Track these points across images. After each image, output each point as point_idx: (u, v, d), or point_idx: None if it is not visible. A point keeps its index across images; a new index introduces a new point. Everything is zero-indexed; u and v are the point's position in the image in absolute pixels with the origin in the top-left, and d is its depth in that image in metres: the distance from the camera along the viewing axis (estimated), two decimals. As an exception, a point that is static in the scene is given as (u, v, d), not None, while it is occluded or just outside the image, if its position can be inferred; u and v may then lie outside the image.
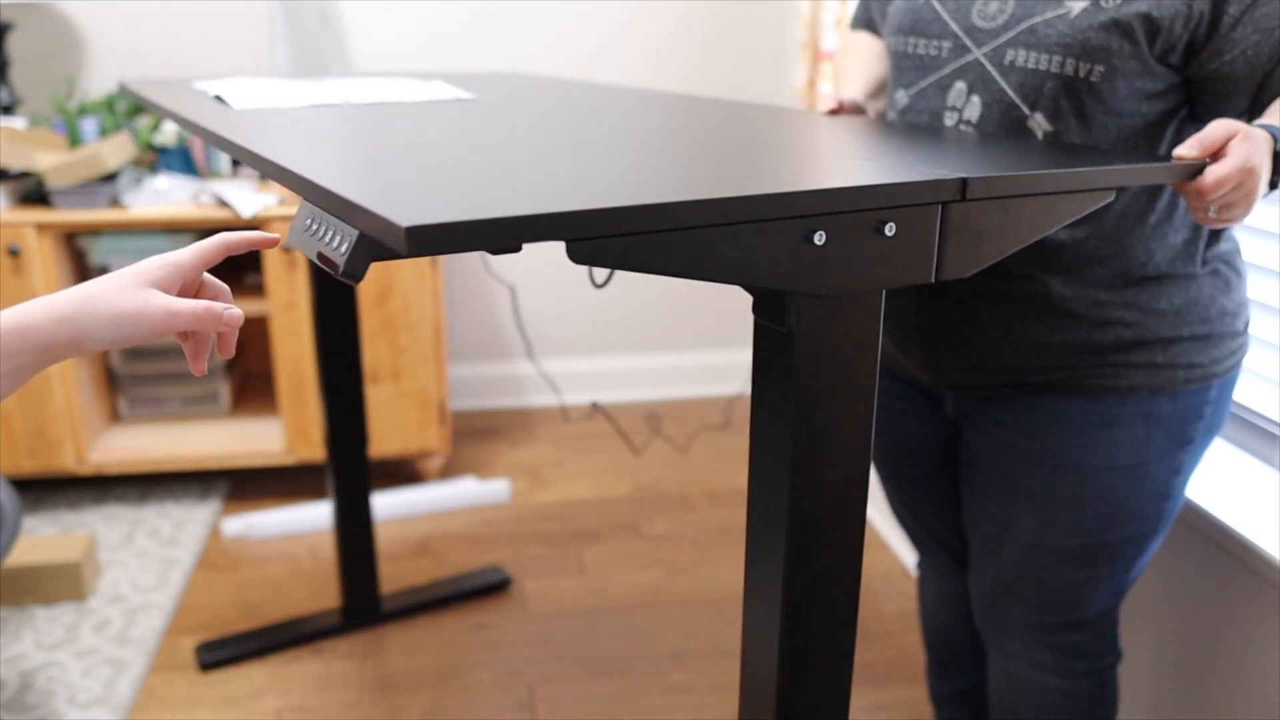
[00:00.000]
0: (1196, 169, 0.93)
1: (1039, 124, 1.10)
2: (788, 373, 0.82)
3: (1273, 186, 1.02)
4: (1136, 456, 1.19)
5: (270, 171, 0.86)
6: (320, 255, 0.77)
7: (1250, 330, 1.24)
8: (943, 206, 0.81)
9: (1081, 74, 1.06)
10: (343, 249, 0.74)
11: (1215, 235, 1.18)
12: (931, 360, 1.26)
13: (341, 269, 0.73)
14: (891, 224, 0.79)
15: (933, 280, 0.84)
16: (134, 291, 0.74)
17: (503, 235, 0.63)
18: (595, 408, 3.22)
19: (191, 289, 0.81)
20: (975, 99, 1.13)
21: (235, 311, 0.77)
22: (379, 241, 0.69)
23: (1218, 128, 0.95)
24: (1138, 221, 1.13)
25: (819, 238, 0.76)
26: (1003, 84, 1.11)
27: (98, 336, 0.73)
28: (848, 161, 0.87)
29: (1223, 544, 1.47)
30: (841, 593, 0.91)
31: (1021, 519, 1.24)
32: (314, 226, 0.79)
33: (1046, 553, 1.24)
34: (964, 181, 0.80)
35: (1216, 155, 0.94)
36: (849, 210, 0.77)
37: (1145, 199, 1.12)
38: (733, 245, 0.74)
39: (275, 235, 0.81)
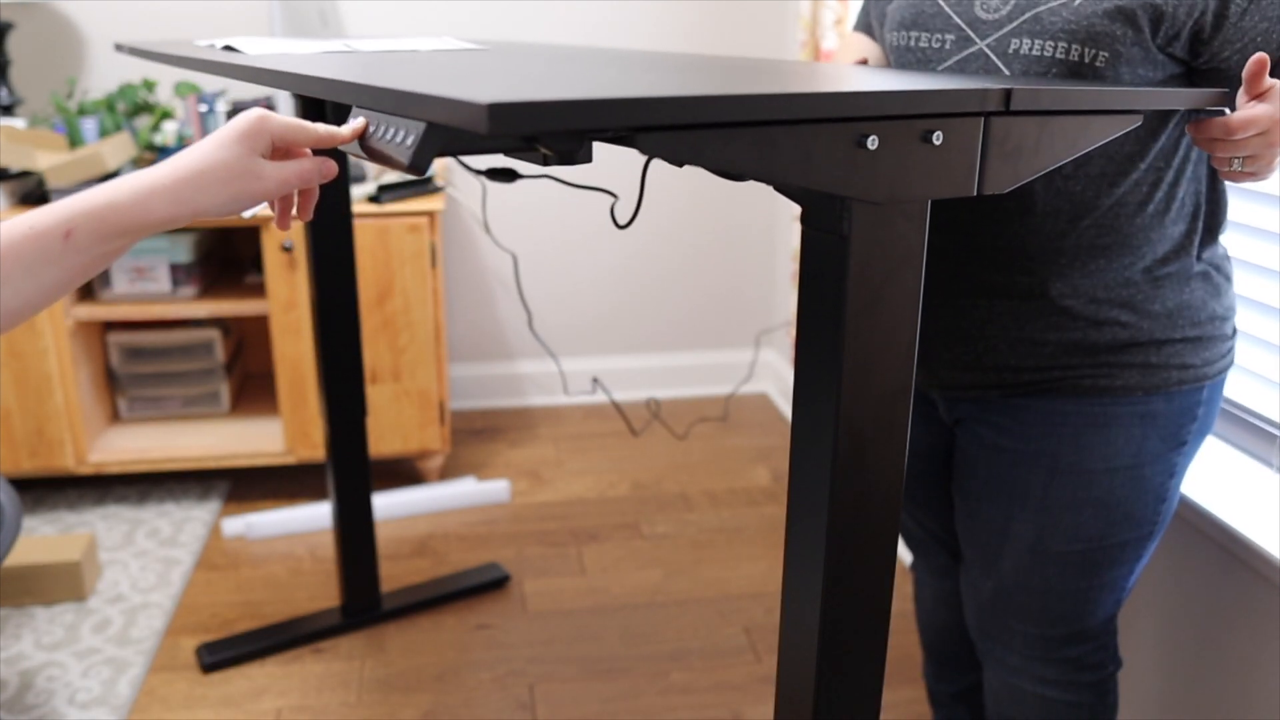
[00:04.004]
0: (1220, 97, 0.95)
1: None
2: (839, 278, 0.84)
3: None
4: (1133, 458, 1.19)
5: (317, 88, 0.86)
6: (380, 155, 0.79)
7: (1237, 335, 1.25)
8: (986, 119, 0.84)
9: (1086, 59, 1.07)
10: (408, 142, 0.76)
11: (1211, 231, 1.19)
12: (924, 358, 1.26)
13: (409, 161, 0.75)
14: (939, 133, 0.81)
15: (974, 193, 0.86)
16: (244, 163, 0.79)
17: (580, 116, 0.64)
18: (595, 382, 3.23)
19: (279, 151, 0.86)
20: None
21: (332, 163, 0.84)
22: (448, 129, 0.70)
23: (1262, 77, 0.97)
24: (1138, 210, 1.13)
25: (872, 142, 0.79)
26: (1005, 73, 1.11)
27: (214, 211, 0.78)
28: (888, 79, 0.89)
29: (1224, 545, 1.47)
30: (885, 511, 0.92)
31: (1021, 525, 1.24)
32: (371, 130, 0.81)
33: (1047, 560, 1.24)
34: (1008, 92, 0.83)
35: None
36: (900, 115, 0.78)
37: (1146, 189, 1.13)
38: (792, 145, 0.76)
39: (363, 122, 0.83)
